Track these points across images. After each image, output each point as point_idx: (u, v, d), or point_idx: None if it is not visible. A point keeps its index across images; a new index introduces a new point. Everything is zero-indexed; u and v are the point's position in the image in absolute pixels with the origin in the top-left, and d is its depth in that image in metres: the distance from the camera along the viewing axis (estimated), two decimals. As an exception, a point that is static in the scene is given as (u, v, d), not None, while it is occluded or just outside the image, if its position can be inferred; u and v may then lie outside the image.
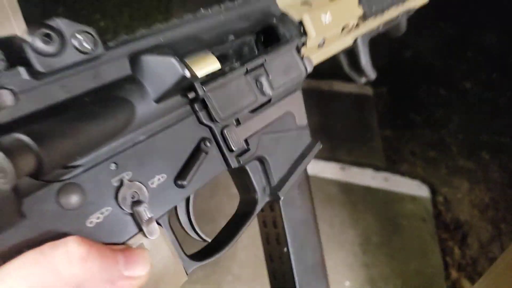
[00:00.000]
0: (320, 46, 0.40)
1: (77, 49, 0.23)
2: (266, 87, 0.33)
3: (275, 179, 0.36)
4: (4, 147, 0.18)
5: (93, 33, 0.24)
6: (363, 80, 0.49)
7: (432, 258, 1.48)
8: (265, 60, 0.33)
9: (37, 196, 0.22)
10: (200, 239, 0.35)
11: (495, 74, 2.49)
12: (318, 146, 0.39)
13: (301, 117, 0.38)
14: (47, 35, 0.22)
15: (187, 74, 0.26)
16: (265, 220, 0.39)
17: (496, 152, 1.98)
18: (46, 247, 0.21)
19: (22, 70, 0.22)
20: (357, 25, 0.45)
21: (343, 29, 0.43)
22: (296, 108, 0.37)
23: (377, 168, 1.78)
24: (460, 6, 2.85)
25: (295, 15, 0.37)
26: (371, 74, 0.48)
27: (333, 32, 0.40)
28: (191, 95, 0.28)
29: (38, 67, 0.22)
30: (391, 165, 1.83)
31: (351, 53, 0.48)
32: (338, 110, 2.06)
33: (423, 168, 1.84)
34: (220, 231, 0.37)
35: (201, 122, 0.30)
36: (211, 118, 0.30)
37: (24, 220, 0.21)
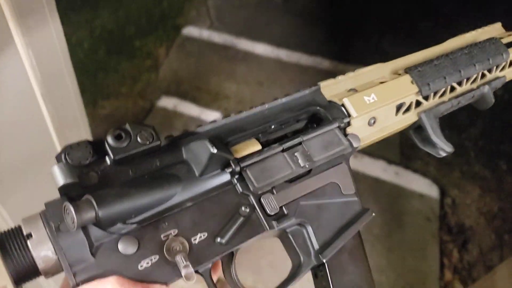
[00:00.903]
0: (371, 124, 0.45)
1: (139, 142, 0.32)
2: (303, 161, 0.39)
3: (319, 244, 0.39)
4: (76, 203, 0.28)
5: (152, 130, 0.33)
6: (441, 153, 0.50)
7: (429, 258, 1.49)
8: (302, 139, 0.40)
9: (104, 243, 0.31)
10: None
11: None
12: (369, 215, 0.43)
13: (347, 187, 0.42)
14: (119, 135, 0.32)
15: (214, 150, 0.34)
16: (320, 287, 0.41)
17: (514, 163, 1.94)
18: (97, 282, 0.29)
19: (107, 158, 0.32)
20: (419, 103, 0.48)
21: (399, 108, 0.47)
22: (341, 178, 0.41)
23: (390, 161, 1.77)
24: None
25: (338, 101, 0.44)
26: (445, 147, 0.49)
27: (381, 110, 0.45)
28: (229, 169, 0.36)
29: (113, 156, 0.31)
30: (405, 161, 1.81)
31: (420, 129, 0.50)
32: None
33: (437, 168, 1.83)
34: None
35: (239, 191, 0.37)
36: (248, 188, 0.36)
37: (94, 259, 0.30)
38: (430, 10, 2.74)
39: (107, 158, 0.32)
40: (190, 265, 0.32)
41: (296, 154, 0.39)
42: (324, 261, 0.39)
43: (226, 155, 0.36)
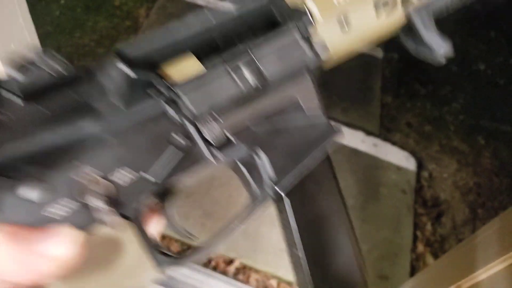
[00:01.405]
0: (344, 30, 0.35)
1: (48, 73, 0.27)
2: (252, 77, 0.32)
3: (276, 173, 0.33)
4: None
5: (63, 59, 0.27)
6: (440, 57, 0.41)
7: (403, 230, 1.49)
8: (249, 47, 0.32)
9: (1, 189, 0.25)
10: (184, 236, 0.34)
11: (513, 61, 2.40)
12: (338, 133, 0.35)
13: (311, 105, 0.34)
14: (22, 67, 0.26)
15: (133, 74, 0.28)
16: (283, 223, 0.36)
17: (493, 139, 1.94)
18: None
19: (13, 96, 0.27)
20: None
21: (379, 6, 0.37)
22: (303, 96, 0.34)
23: (368, 132, 1.74)
24: (493, -20, 2.67)
25: (300, 4, 0.34)
26: (443, 46, 0.40)
27: (355, 11, 0.35)
28: (157, 95, 0.29)
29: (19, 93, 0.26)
30: (384, 132, 1.79)
31: (412, 32, 0.40)
32: (344, 67, 1.97)
33: (416, 141, 1.81)
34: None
35: (174, 120, 0.30)
36: (184, 115, 0.30)
37: None
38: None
39: (13, 96, 0.27)
40: (112, 208, 0.27)
41: (243, 68, 0.31)
42: (282, 193, 0.34)
43: (151, 78, 0.29)
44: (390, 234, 1.46)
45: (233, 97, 0.32)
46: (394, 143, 1.75)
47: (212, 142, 0.31)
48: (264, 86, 0.32)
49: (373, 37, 0.39)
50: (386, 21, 0.38)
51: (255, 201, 0.34)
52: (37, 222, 0.26)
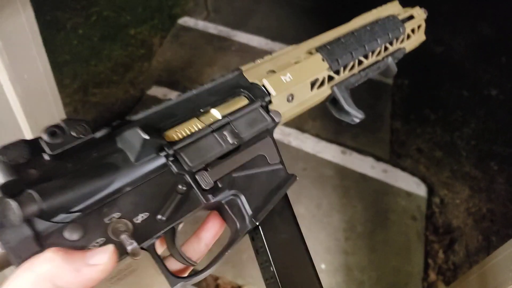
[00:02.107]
0: (290, 100, 0.50)
1: (74, 136, 0.35)
2: (231, 139, 0.43)
3: (252, 209, 0.43)
4: (18, 198, 0.30)
5: (85, 124, 0.35)
6: (355, 120, 0.56)
7: (414, 257, 1.46)
8: (230, 119, 0.44)
9: (50, 233, 0.32)
10: (187, 263, 0.43)
11: (525, 85, 2.37)
12: (293, 179, 0.47)
13: (273, 157, 0.46)
14: (53, 132, 0.34)
15: (146, 136, 0.37)
16: (256, 248, 0.46)
17: (507, 164, 1.91)
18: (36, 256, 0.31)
19: (44, 155, 0.34)
20: (331, 77, 0.54)
21: (313, 84, 0.52)
22: (267, 150, 0.46)
23: (378, 158, 1.74)
24: (501, 7, 2.69)
25: (259, 82, 0.48)
26: (357, 115, 0.56)
27: (297, 87, 0.50)
28: (163, 153, 0.39)
29: (50, 151, 0.34)
30: (394, 158, 1.78)
31: (335, 100, 0.56)
32: (353, 93, 1.99)
33: (426, 166, 1.79)
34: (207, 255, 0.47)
35: (175, 172, 0.39)
36: (183, 168, 0.39)
37: (41, 249, 0.31)
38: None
39: (44, 155, 0.34)
40: (135, 242, 0.34)
41: (225, 133, 0.43)
42: (258, 224, 0.43)
43: (159, 140, 0.39)
44: (400, 262, 1.43)
45: (219, 153, 0.42)
46: (404, 168, 1.74)
47: (205, 187, 0.40)
48: (240, 144, 0.44)
49: (309, 104, 0.54)
50: (318, 93, 0.53)
51: (238, 232, 0.43)
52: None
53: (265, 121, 0.46)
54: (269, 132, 0.47)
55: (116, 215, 0.36)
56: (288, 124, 1.81)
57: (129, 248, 0.34)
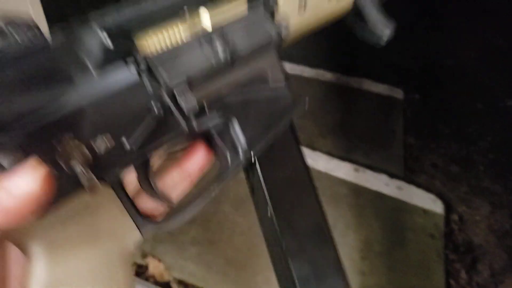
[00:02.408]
0: (302, 7, 0.39)
1: (18, 42, 0.26)
2: (223, 51, 0.33)
3: (247, 139, 0.36)
4: None
5: (36, 29, 0.27)
6: (381, 38, 0.44)
7: (434, 278, 1.40)
8: (222, 26, 0.34)
9: None
10: (162, 200, 0.35)
11: (542, 96, 2.32)
12: (303, 103, 0.38)
13: (276, 78, 0.38)
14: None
15: (110, 44, 0.29)
16: (252, 186, 0.39)
17: (527, 178, 1.84)
18: None
19: None
20: None
21: None
22: (268, 69, 0.37)
23: (392, 175, 1.70)
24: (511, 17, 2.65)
25: None
26: (386, 29, 0.43)
27: None
28: (133, 66, 0.30)
29: None
30: (409, 175, 1.74)
31: (360, 16, 0.44)
32: (364, 109, 1.98)
33: (443, 182, 1.74)
34: (188, 194, 0.38)
35: (149, 89, 0.31)
36: (159, 84, 0.31)
37: None
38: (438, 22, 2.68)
39: None
40: (91, 173, 0.28)
41: (215, 43, 0.33)
42: (253, 157, 0.36)
43: (126, 44, 0.30)
44: (419, 282, 1.37)
45: (207, 69, 0.33)
46: (419, 185, 1.69)
47: (187, 111, 0.32)
48: (234, 58, 0.34)
49: (325, 19, 0.43)
50: (336, 5, 0.42)
51: (228, 165, 0.36)
52: None
53: (268, 31, 0.36)
54: (272, 45, 0.38)
55: (68, 135, 0.28)
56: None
57: (83, 179, 0.27)
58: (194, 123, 0.33)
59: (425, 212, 1.58)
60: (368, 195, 1.60)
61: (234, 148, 0.36)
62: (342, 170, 1.68)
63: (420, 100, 2.15)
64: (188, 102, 0.32)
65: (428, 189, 1.68)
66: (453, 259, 1.48)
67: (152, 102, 0.31)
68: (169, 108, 0.32)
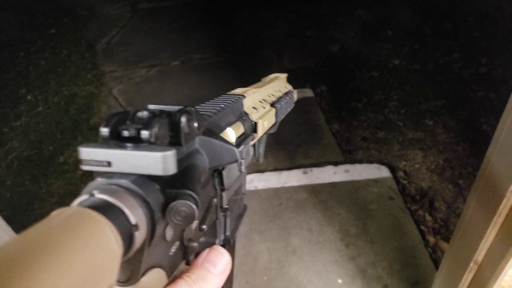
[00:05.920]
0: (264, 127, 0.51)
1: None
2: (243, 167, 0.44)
3: (230, 229, 0.46)
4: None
5: None
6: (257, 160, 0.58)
7: (408, 232, 1.56)
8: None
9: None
10: None
11: (417, 46, 2.67)
12: (245, 209, 0.51)
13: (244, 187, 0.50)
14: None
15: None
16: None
17: (437, 115, 2.12)
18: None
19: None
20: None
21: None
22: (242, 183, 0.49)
23: (336, 163, 1.85)
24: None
25: (251, 117, 0.48)
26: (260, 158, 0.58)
27: (265, 119, 0.52)
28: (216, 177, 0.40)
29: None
30: (348, 156, 1.91)
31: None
32: (288, 120, 2.12)
33: (377, 150, 1.94)
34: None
35: (215, 188, 0.40)
36: (221, 185, 0.41)
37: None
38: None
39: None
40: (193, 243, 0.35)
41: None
42: (231, 239, 0.46)
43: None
44: (399, 242, 1.52)
45: (236, 176, 0.44)
46: (360, 161, 1.87)
47: (224, 206, 0.42)
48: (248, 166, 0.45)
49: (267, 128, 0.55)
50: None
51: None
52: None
53: (250, 156, 0.47)
54: (247, 167, 0.48)
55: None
56: (248, 172, 1.88)
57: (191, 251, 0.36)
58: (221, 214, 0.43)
59: (376, 181, 1.76)
60: (325, 189, 1.73)
61: (227, 228, 0.46)
62: (293, 178, 1.80)
63: (328, 90, 2.37)
64: (225, 200, 0.42)
65: (369, 161, 1.87)
66: (415, 209, 1.66)
67: (214, 197, 0.40)
68: (216, 207, 0.41)
